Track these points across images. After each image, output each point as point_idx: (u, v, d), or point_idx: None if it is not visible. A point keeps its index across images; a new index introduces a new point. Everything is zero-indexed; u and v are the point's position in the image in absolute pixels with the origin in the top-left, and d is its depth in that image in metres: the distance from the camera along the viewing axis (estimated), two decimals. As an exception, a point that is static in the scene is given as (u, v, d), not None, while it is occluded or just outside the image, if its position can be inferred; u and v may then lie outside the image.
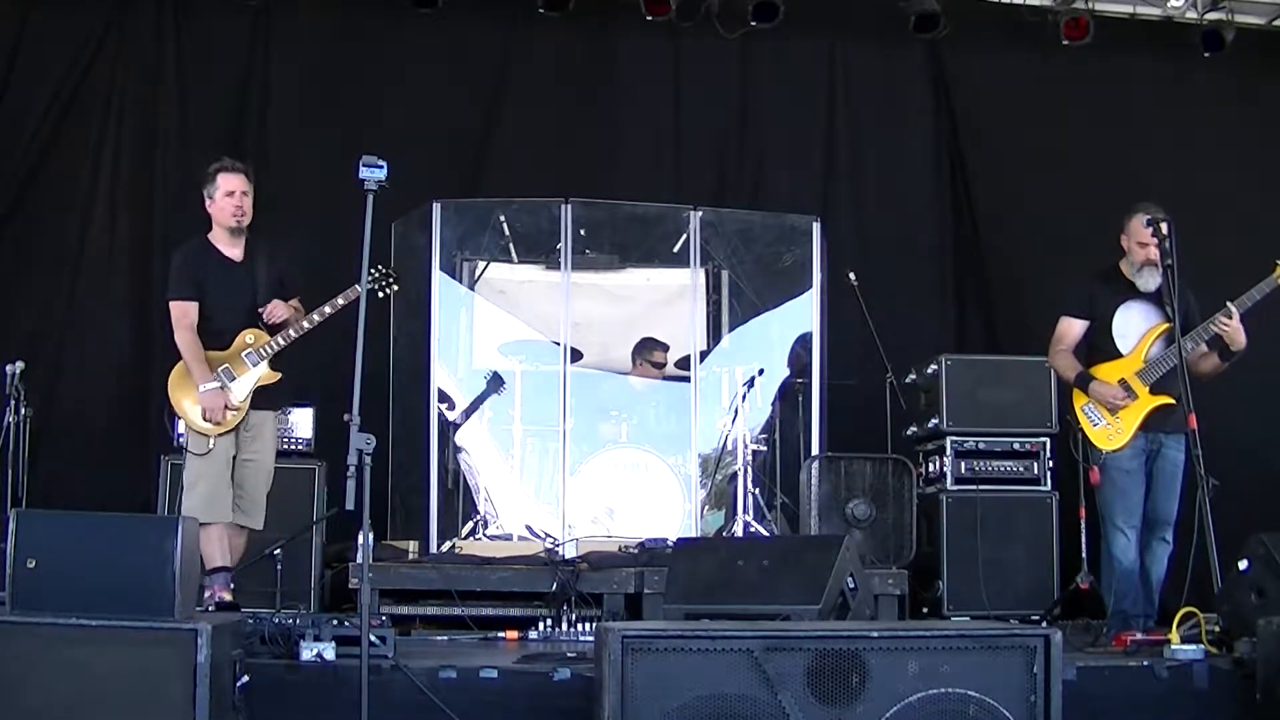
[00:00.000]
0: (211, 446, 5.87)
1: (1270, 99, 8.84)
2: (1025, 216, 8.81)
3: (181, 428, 5.96)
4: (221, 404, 5.87)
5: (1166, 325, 5.99)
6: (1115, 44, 8.71)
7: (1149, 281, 6.05)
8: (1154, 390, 5.98)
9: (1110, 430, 6.01)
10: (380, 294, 6.20)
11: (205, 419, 5.87)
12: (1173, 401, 5.93)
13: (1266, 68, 8.83)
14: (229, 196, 5.95)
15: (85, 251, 8.05)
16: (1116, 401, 5.98)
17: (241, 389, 5.94)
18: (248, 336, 5.97)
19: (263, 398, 6.02)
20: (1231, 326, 5.89)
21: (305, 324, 6.00)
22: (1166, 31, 8.91)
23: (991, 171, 8.96)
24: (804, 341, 8.05)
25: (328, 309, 5.99)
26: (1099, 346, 6.14)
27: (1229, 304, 5.91)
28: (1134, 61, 8.89)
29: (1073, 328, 6.22)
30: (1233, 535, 5.60)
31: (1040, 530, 7.21)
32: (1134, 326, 6.10)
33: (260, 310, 5.96)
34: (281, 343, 5.99)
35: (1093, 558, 6.45)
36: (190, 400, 5.90)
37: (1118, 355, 6.08)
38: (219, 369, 5.90)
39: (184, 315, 5.94)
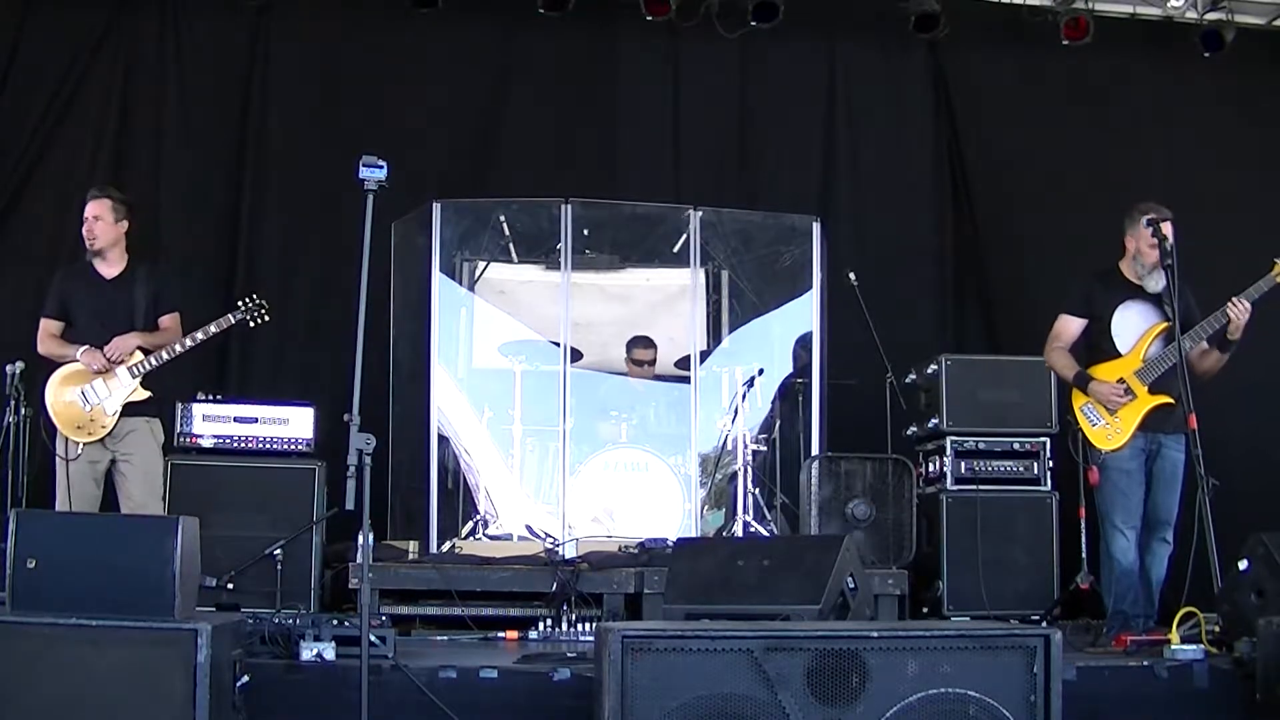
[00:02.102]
0: (79, 453, 6.19)
1: (1270, 99, 8.84)
2: (1025, 216, 8.80)
3: (61, 448, 6.22)
4: (99, 356, 6.20)
5: (1165, 325, 6.00)
6: (1115, 44, 8.71)
7: (1157, 283, 6.05)
8: (1153, 390, 5.99)
9: (1109, 430, 6.02)
10: (251, 323, 6.50)
11: (94, 371, 6.20)
12: (1171, 401, 5.94)
13: (1266, 68, 8.82)
14: (84, 222, 6.38)
15: (84, 251, 8.04)
16: (1116, 400, 5.98)
17: (113, 403, 6.24)
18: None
19: (133, 407, 6.30)
20: (1241, 312, 5.86)
21: (178, 347, 6.31)
22: (1166, 31, 8.91)
23: (991, 171, 8.95)
24: (804, 342, 8.05)
25: (200, 335, 6.34)
26: (1098, 346, 6.15)
27: (1237, 297, 5.90)
28: (1134, 61, 8.89)
29: (1070, 326, 6.23)
30: (1233, 535, 5.61)
31: (1040, 530, 7.21)
32: (1133, 326, 6.10)
33: (106, 347, 6.24)
34: (154, 362, 6.30)
35: (1092, 558, 6.45)
36: (57, 405, 6.24)
37: (1117, 355, 6.09)
38: (93, 382, 6.23)
39: (42, 330, 6.43)
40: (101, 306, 6.36)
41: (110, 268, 6.43)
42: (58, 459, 6.21)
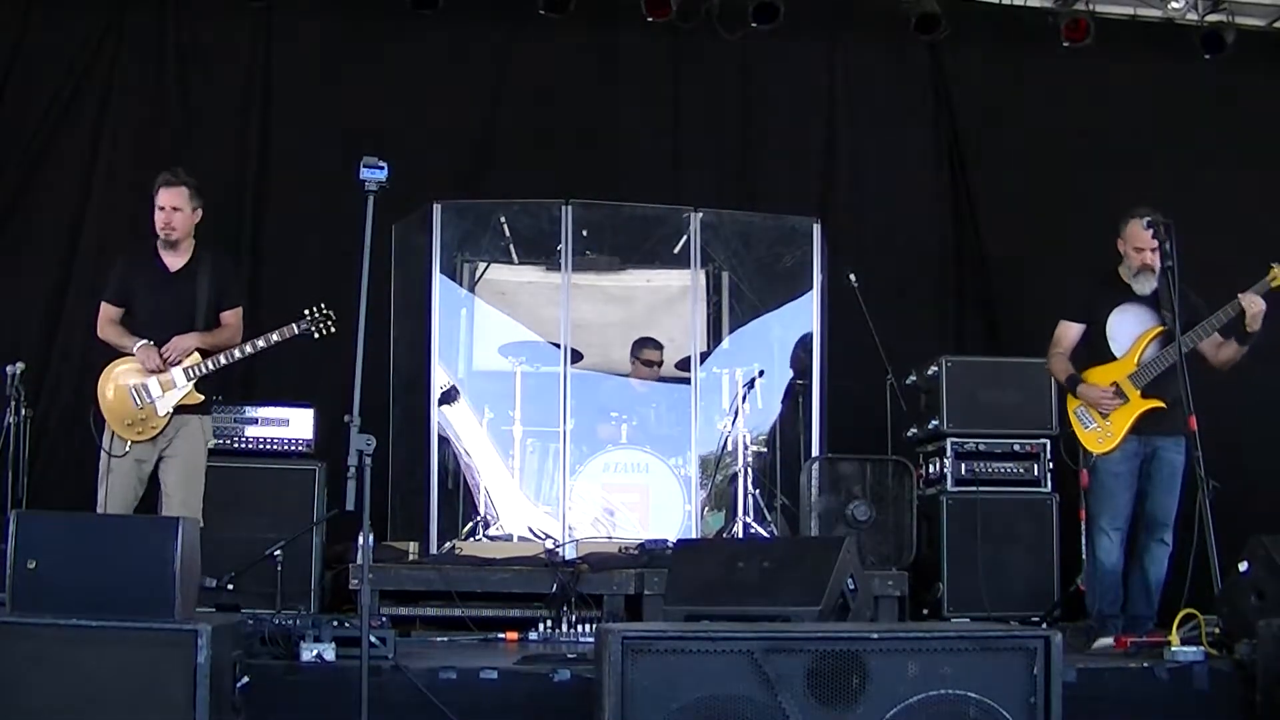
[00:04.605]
0: (127, 450, 6.01)
1: (1270, 100, 8.84)
2: (1025, 217, 8.80)
3: (107, 443, 6.05)
4: (156, 355, 6.00)
5: (1161, 328, 6.02)
6: (1115, 46, 8.71)
7: (1145, 285, 6.09)
8: (1146, 393, 6.00)
9: (1101, 433, 6.03)
10: (315, 334, 6.19)
11: (148, 370, 6.00)
12: (1164, 406, 5.95)
13: (1267, 69, 8.82)
14: (160, 211, 6.07)
15: (85, 252, 8.05)
16: (1104, 403, 5.99)
17: (165, 405, 6.04)
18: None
19: (185, 408, 6.11)
20: (1254, 303, 5.87)
21: (237, 353, 6.12)
22: (1167, 33, 8.91)
23: (991, 171, 8.95)
24: (806, 343, 8.05)
25: (261, 342, 6.12)
26: (1096, 350, 6.17)
27: (1245, 292, 5.88)
28: (1134, 63, 8.88)
29: (1069, 332, 6.25)
30: (1233, 537, 5.60)
31: (1040, 532, 7.22)
32: (1128, 330, 6.12)
33: (164, 348, 6.04)
34: (211, 367, 6.10)
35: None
36: (109, 399, 6.03)
37: (1113, 359, 6.09)
38: (146, 380, 6.02)
39: (103, 315, 6.18)
40: (164, 300, 6.11)
41: (177, 258, 6.14)
42: (103, 453, 6.00)
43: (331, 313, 6.17)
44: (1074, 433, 6.14)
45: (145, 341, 6.03)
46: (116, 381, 6.06)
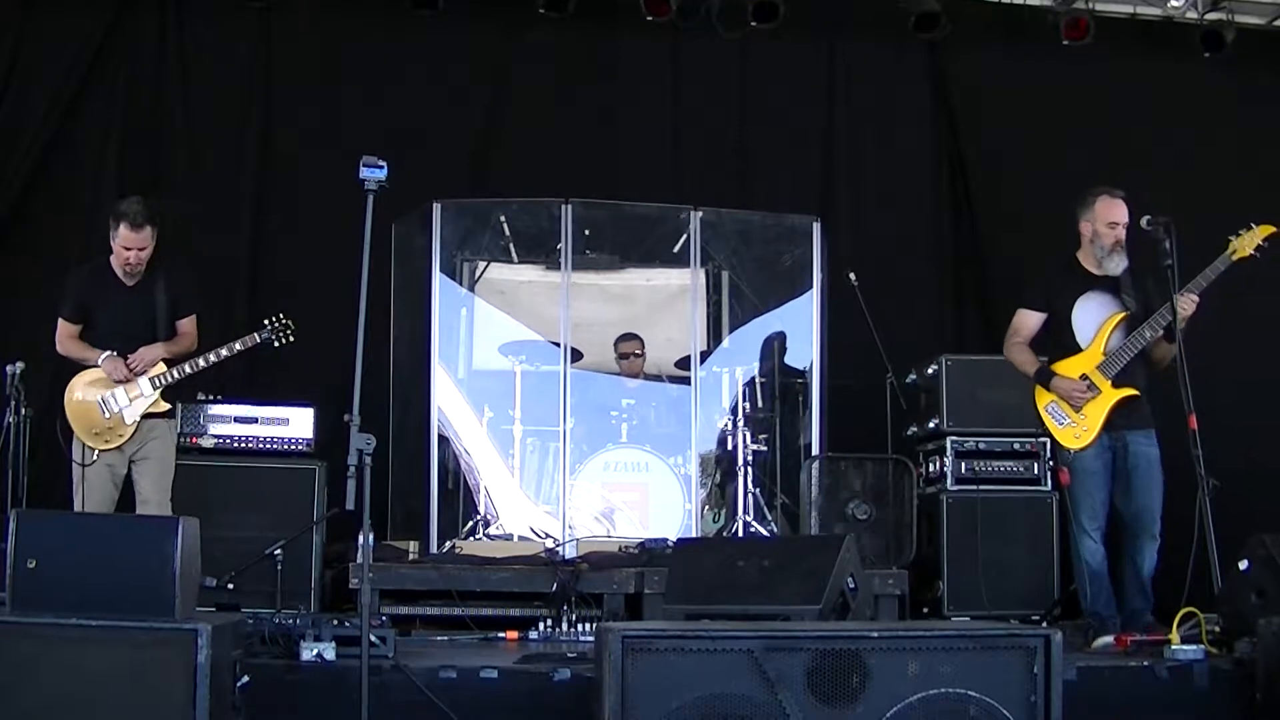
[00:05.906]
0: (95, 459, 6.07)
1: (1270, 99, 8.84)
2: (1025, 216, 8.78)
3: (76, 453, 6.11)
4: (122, 365, 6.08)
5: (1123, 315, 5.93)
6: (1115, 44, 8.71)
7: (1117, 264, 5.96)
8: (1116, 383, 5.89)
9: (1075, 429, 5.93)
10: (275, 343, 6.36)
11: (115, 380, 6.08)
12: (1136, 393, 5.87)
13: (1266, 68, 8.82)
14: (125, 250, 6.08)
15: (86, 252, 8.02)
16: (1079, 396, 5.88)
17: (132, 413, 6.13)
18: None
19: (152, 414, 6.19)
20: (1187, 305, 5.77)
21: (202, 362, 6.21)
22: (1166, 32, 8.91)
23: (991, 171, 8.95)
24: (771, 342, 8.05)
25: (224, 351, 6.24)
26: (1061, 342, 6.04)
27: (1182, 291, 5.78)
28: (1134, 62, 8.88)
29: (1028, 320, 6.12)
30: (1233, 535, 5.60)
31: (1040, 530, 7.21)
32: (1092, 319, 5.99)
33: (129, 356, 6.11)
34: (176, 376, 6.19)
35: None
36: (76, 409, 6.11)
37: (1079, 350, 5.99)
38: (114, 390, 6.11)
39: (61, 331, 6.26)
40: (121, 312, 6.18)
41: (130, 275, 6.22)
42: (74, 465, 6.08)
43: (290, 322, 6.37)
44: (1047, 431, 6.05)
45: (109, 353, 6.11)
46: (83, 393, 6.15)
